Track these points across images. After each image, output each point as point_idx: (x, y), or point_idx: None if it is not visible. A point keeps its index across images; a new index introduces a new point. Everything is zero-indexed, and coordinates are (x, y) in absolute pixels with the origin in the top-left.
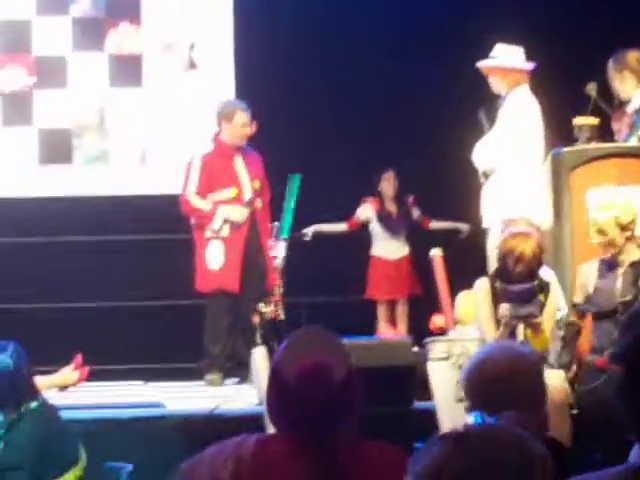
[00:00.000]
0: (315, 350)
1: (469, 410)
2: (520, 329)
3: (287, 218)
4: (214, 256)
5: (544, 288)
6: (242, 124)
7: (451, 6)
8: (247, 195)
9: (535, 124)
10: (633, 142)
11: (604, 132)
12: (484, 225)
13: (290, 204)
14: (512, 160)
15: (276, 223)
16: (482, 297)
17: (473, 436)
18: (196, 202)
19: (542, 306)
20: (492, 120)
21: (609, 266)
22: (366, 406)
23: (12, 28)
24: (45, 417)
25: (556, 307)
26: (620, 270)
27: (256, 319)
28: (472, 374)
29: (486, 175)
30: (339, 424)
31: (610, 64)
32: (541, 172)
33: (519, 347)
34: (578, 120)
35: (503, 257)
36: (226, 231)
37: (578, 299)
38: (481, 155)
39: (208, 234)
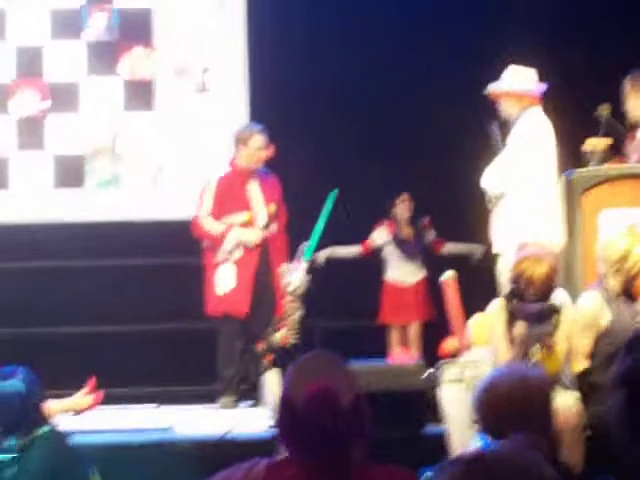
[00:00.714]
0: (322, 375)
1: (480, 432)
2: (534, 350)
3: (314, 241)
4: (225, 279)
5: (557, 310)
6: (257, 147)
7: (467, 27)
8: (261, 219)
9: (547, 146)
10: None
11: (616, 154)
12: (495, 250)
13: (320, 225)
14: (523, 183)
15: (305, 243)
16: (496, 317)
17: (484, 460)
18: (208, 224)
19: (554, 329)
20: (504, 135)
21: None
22: (376, 430)
23: (26, 53)
24: (56, 443)
25: (568, 330)
26: None
27: (260, 346)
28: (481, 396)
29: (495, 199)
30: (348, 448)
31: (625, 84)
32: (554, 194)
33: (529, 370)
34: (590, 142)
35: (515, 280)
36: (238, 254)
37: None
38: (491, 179)
39: (219, 258)
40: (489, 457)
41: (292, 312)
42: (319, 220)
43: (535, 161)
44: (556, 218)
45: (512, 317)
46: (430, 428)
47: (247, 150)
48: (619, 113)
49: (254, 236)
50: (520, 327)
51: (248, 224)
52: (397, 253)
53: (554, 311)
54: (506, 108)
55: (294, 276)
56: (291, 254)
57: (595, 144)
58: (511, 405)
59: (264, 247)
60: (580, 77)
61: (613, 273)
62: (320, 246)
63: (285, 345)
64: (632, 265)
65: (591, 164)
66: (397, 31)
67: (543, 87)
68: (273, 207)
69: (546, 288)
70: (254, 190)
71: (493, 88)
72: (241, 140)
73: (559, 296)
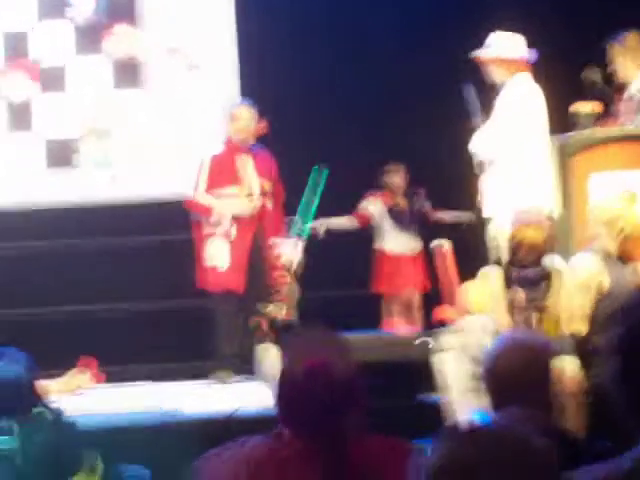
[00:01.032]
0: (317, 349)
1: (490, 403)
2: (533, 316)
3: (307, 218)
4: (219, 255)
5: (550, 276)
6: (244, 119)
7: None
8: (257, 196)
9: (537, 111)
10: None
11: (605, 116)
12: (485, 214)
13: (314, 202)
14: (514, 149)
15: (293, 218)
16: (495, 284)
17: (477, 435)
18: (201, 199)
19: (551, 291)
20: (490, 99)
21: None
22: (372, 400)
23: (13, 36)
24: (55, 424)
25: (566, 294)
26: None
27: (254, 320)
28: (489, 368)
29: (485, 164)
30: (345, 420)
31: (610, 46)
32: (546, 160)
33: (533, 339)
34: (576, 106)
35: (515, 247)
36: (232, 232)
37: None
38: (481, 144)
39: (207, 230)
40: (481, 431)
41: (285, 285)
42: (311, 196)
43: (526, 126)
44: (549, 184)
45: (510, 284)
46: (426, 397)
47: (236, 125)
48: (605, 75)
49: (245, 206)
50: (519, 293)
51: (240, 198)
52: (393, 224)
53: (549, 275)
54: (494, 74)
55: (286, 250)
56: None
57: (581, 107)
58: (515, 376)
59: (258, 224)
60: (565, 41)
61: (606, 234)
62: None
63: (281, 320)
64: (623, 227)
65: (579, 128)
66: (387, 6)
67: (534, 54)
68: (267, 184)
69: (542, 253)
70: (247, 165)
71: (482, 54)
72: (230, 115)
73: (555, 262)
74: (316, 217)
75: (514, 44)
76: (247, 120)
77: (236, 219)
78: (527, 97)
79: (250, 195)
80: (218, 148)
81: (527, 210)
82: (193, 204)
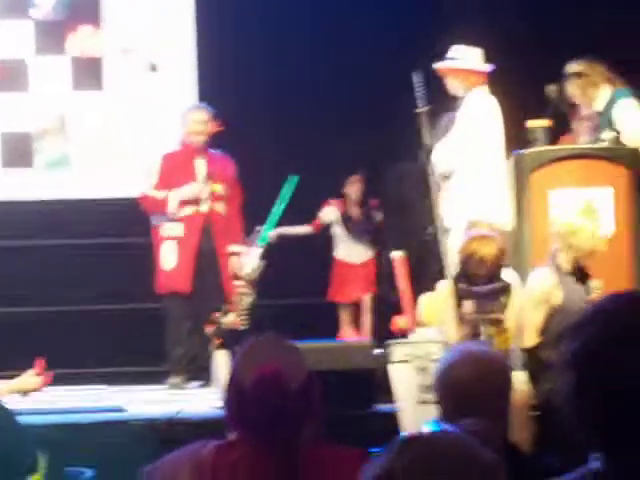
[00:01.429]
0: (271, 356)
1: (440, 415)
2: (483, 329)
3: (270, 225)
4: (168, 256)
5: (505, 290)
6: (194, 121)
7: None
8: (204, 195)
9: (495, 125)
10: (600, 143)
11: (563, 133)
12: (445, 224)
13: (278, 210)
14: (473, 161)
15: (259, 228)
16: (445, 297)
17: (419, 444)
18: (151, 193)
19: (503, 307)
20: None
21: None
22: (327, 409)
23: None
24: (3, 423)
25: (519, 308)
26: None
27: (209, 328)
28: (441, 378)
29: (445, 177)
30: (298, 429)
31: (568, 72)
32: (503, 174)
33: (489, 352)
34: (532, 123)
35: (465, 260)
36: (179, 230)
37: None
38: (442, 157)
39: (163, 233)
40: (425, 440)
41: (243, 296)
42: (276, 205)
43: (484, 140)
44: (504, 198)
45: (461, 298)
46: (381, 407)
47: (187, 126)
48: (563, 94)
49: (194, 189)
50: (469, 306)
51: (191, 202)
52: (344, 232)
53: (504, 291)
54: (453, 85)
55: (247, 260)
56: (247, 237)
57: (537, 123)
58: (470, 389)
59: (206, 226)
60: (526, 57)
61: (564, 250)
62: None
63: (234, 329)
64: (583, 242)
65: (534, 143)
66: (347, 6)
67: (490, 67)
68: (219, 186)
69: (496, 268)
70: (200, 167)
71: (440, 65)
72: (182, 119)
73: (508, 276)
74: (280, 224)
75: (472, 57)
76: (200, 123)
77: (182, 219)
78: (484, 111)
79: (202, 201)
80: (173, 149)
81: (477, 224)
82: (148, 200)
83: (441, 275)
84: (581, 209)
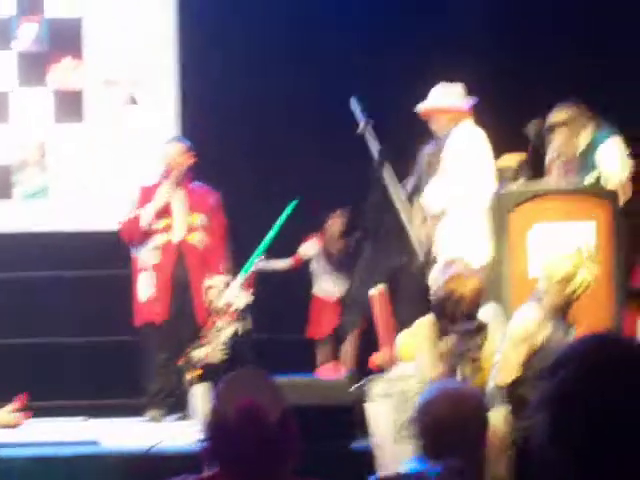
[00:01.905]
0: (249, 391)
1: (418, 452)
2: (462, 365)
3: (254, 257)
4: (143, 287)
5: (482, 329)
6: (170, 154)
7: (395, 41)
8: (180, 227)
9: (483, 157)
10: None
11: (535, 167)
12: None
13: (269, 238)
14: (461, 199)
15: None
16: (423, 334)
17: None
18: (124, 217)
19: (480, 346)
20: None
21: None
22: (304, 444)
23: None
24: None
25: (495, 347)
26: None
27: (183, 360)
28: (419, 417)
29: (437, 216)
30: (276, 463)
31: (554, 119)
32: (484, 211)
33: (467, 390)
34: (502, 161)
35: (444, 299)
36: (155, 259)
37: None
38: (434, 197)
39: (140, 264)
40: None
41: (218, 329)
42: (270, 232)
43: (472, 175)
44: (483, 235)
45: (440, 335)
46: (358, 443)
47: (165, 160)
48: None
49: (163, 191)
50: (448, 342)
51: (165, 230)
52: (324, 266)
53: (480, 329)
54: (437, 125)
55: (229, 291)
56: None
57: (507, 163)
58: (447, 426)
59: (180, 255)
60: (506, 94)
61: (555, 292)
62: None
63: (209, 361)
64: (576, 287)
65: (505, 181)
66: (331, 38)
67: (471, 101)
68: (197, 218)
69: (474, 306)
70: (176, 199)
71: (422, 106)
72: (160, 152)
73: (490, 310)
74: (267, 252)
75: (451, 93)
76: (175, 156)
77: (157, 248)
78: (469, 146)
79: (177, 233)
80: (150, 181)
81: (455, 261)
82: (124, 223)
83: (419, 310)
84: (576, 255)
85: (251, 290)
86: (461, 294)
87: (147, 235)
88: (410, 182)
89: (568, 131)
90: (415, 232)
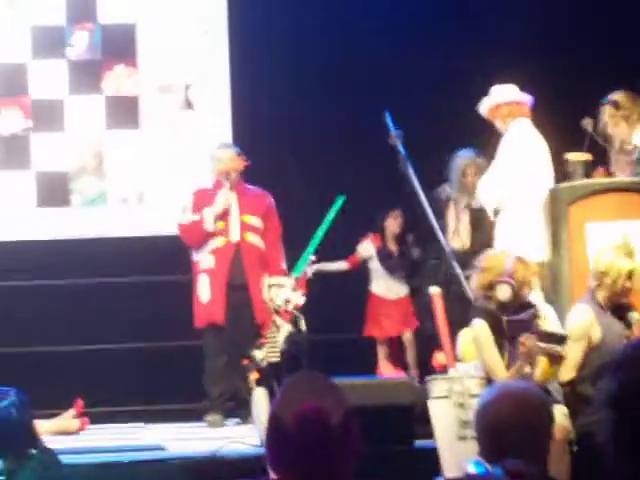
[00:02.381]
0: (312, 395)
1: (480, 452)
2: (521, 365)
3: (305, 257)
4: (203, 289)
5: (538, 314)
6: (223, 160)
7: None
8: (235, 229)
9: (535, 155)
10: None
11: (600, 166)
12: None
13: (318, 236)
14: (516, 195)
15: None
16: (485, 336)
17: None
18: (185, 220)
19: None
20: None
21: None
22: (366, 446)
23: (8, 71)
24: (45, 464)
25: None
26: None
27: (245, 362)
28: (481, 417)
29: (493, 212)
30: (338, 466)
31: (603, 105)
32: (539, 206)
33: (530, 389)
34: (571, 156)
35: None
36: (211, 263)
37: None
38: (486, 194)
39: (200, 268)
40: None
41: (277, 329)
42: (319, 229)
43: (524, 171)
44: (538, 231)
45: (498, 333)
46: (421, 443)
47: (215, 165)
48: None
49: (223, 197)
50: (529, 340)
51: (221, 233)
52: (380, 267)
53: (538, 317)
54: (498, 124)
55: (280, 292)
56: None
57: (574, 156)
58: (509, 426)
59: (237, 257)
60: (561, 92)
61: (601, 285)
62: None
63: (269, 362)
64: (614, 280)
65: (572, 176)
66: (380, 44)
67: (528, 97)
68: (251, 218)
69: (526, 296)
70: (232, 201)
71: (489, 102)
72: (212, 157)
73: (545, 309)
74: (317, 251)
75: (507, 92)
76: (228, 161)
77: (214, 251)
78: (522, 142)
79: (232, 235)
80: (204, 185)
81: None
82: (186, 226)
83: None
84: (617, 245)
85: (304, 290)
86: (516, 284)
87: (206, 238)
88: (445, 188)
89: (617, 112)
90: (449, 236)
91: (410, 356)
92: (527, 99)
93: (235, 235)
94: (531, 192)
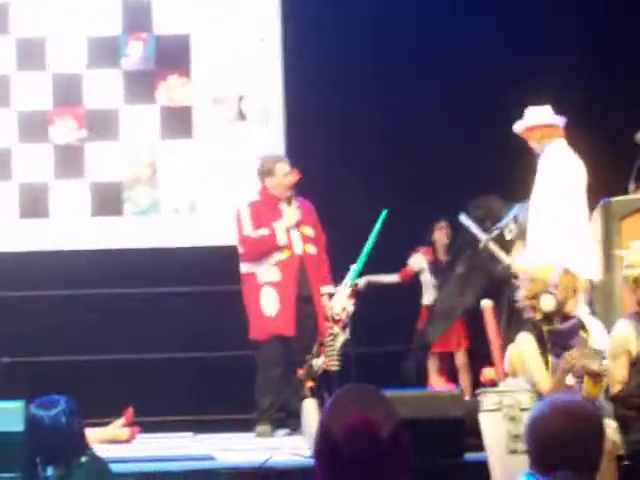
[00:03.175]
0: (362, 406)
1: (531, 466)
2: (572, 378)
3: (360, 263)
4: (268, 302)
5: (583, 325)
6: (284, 174)
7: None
8: (297, 242)
9: (571, 175)
10: None
11: None
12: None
13: (368, 246)
14: (554, 212)
15: (352, 267)
16: (529, 348)
17: None
18: (255, 233)
19: (585, 342)
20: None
21: None
22: (417, 458)
23: (64, 81)
24: (95, 472)
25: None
26: None
27: (301, 372)
28: (532, 430)
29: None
30: (389, 479)
31: None
32: (584, 224)
33: (581, 403)
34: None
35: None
36: (277, 277)
37: None
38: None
39: (261, 279)
40: None
41: (334, 337)
42: (367, 242)
43: (561, 191)
44: (587, 247)
45: (543, 345)
46: (471, 456)
47: (275, 179)
48: None
49: (294, 215)
50: (571, 355)
51: (285, 248)
52: (433, 279)
53: (581, 327)
54: (532, 143)
55: (336, 300)
56: (335, 278)
57: None
58: (560, 440)
59: (301, 270)
60: (612, 105)
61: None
62: (364, 269)
63: (325, 371)
64: None
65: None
66: (437, 54)
67: (561, 119)
68: (307, 229)
69: (571, 307)
70: (286, 211)
71: (525, 123)
72: (266, 172)
73: (586, 318)
74: (367, 261)
75: (542, 113)
76: (285, 175)
77: (278, 264)
78: (559, 162)
79: (295, 248)
80: (254, 197)
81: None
82: (255, 241)
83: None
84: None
85: (353, 300)
86: (561, 295)
87: (272, 252)
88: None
89: None
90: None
91: (464, 378)
92: (560, 121)
93: (298, 248)
94: (570, 211)
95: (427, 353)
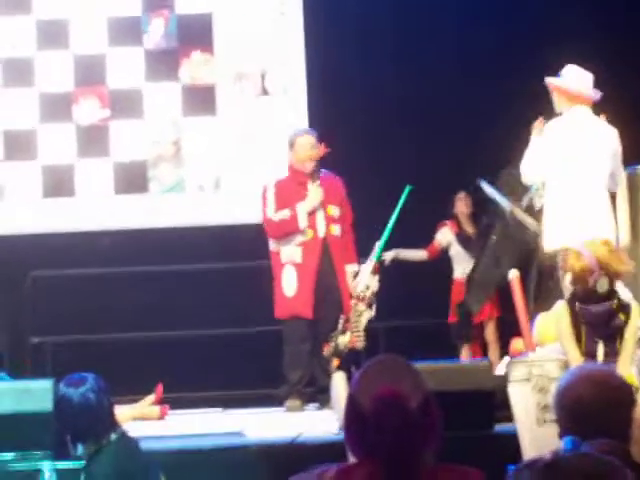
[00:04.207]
0: (390, 378)
1: (561, 435)
2: (600, 349)
3: (384, 239)
4: (289, 282)
5: (625, 308)
6: (303, 147)
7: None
8: (320, 224)
9: (589, 141)
10: None
11: None
12: (547, 248)
13: (392, 222)
14: (566, 176)
15: (377, 243)
16: (564, 320)
17: (562, 467)
18: (277, 216)
19: (623, 325)
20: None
21: None
22: (446, 430)
23: (86, 62)
24: (125, 449)
25: (637, 327)
26: None
27: (327, 348)
28: (561, 399)
29: (537, 190)
30: (418, 450)
31: None
32: (605, 189)
33: (610, 371)
34: None
35: (580, 278)
36: (298, 258)
37: None
38: (530, 166)
39: (284, 259)
40: (566, 464)
41: (359, 314)
42: (390, 219)
43: (577, 154)
44: (608, 214)
45: (577, 320)
46: (501, 427)
47: (295, 153)
48: None
49: (317, 195)
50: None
51: (308, 229)
52: (462, 251)
53: (621, 308)
54: (557, 102)
55: (361, 277)
56: (360, 254)
57: None
58: (590, 408)
59: (324, 249)
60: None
61: None
62: (388, 245)
63: (351, 348)
64: None
65: None
66: (455, 27)
67: (597, 94)
68: (333, 209)
69: (589, 281)
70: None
71: (551, 80)
72: (290, 145)
73: (625, 294)
74: (392, 237)
75: (582, 80)
76: (307, 148)
77: (301, 244)
78: (579, 126)
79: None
80: (281, 174)
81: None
82: (277, 224)
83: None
84: None
85: (378, 277)
86: (574, 271)
87: (295, 233)
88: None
89: None
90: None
91: (493, 352)
92: (595, 96)
93: (322, 230)
94: (586, 177)
95: (471, 325)
